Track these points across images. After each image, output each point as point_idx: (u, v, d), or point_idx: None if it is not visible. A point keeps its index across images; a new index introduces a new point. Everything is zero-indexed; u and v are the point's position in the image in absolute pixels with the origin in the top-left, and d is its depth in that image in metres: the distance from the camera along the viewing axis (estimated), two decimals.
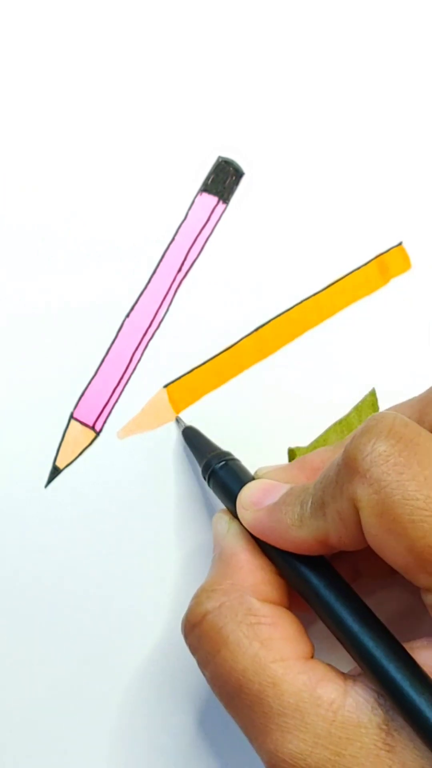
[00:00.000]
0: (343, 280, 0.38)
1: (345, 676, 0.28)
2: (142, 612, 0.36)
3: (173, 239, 0.38)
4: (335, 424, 0.36)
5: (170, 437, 0.37)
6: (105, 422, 0.36)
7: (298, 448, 0.36)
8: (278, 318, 0.38)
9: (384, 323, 0.38)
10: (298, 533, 0.29)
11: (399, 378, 0.38)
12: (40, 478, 0.36)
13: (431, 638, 0.28)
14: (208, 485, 0.34)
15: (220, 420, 0.36)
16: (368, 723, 0.27)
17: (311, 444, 0.36)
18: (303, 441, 0.36)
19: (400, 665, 0.26)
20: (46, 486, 0.36)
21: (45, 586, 0.36)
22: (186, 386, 0.37)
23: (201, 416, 0.37)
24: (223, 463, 0.33)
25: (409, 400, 0.31)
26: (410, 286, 0.39)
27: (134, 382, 0.37)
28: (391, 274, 0.39)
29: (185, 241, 0.38)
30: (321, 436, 0.36)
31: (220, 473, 0.33)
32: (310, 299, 0.38)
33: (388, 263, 0.39)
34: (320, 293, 0.38)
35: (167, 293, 0.37)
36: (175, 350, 0.37)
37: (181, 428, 0.36)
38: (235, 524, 0.31)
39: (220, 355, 0.37)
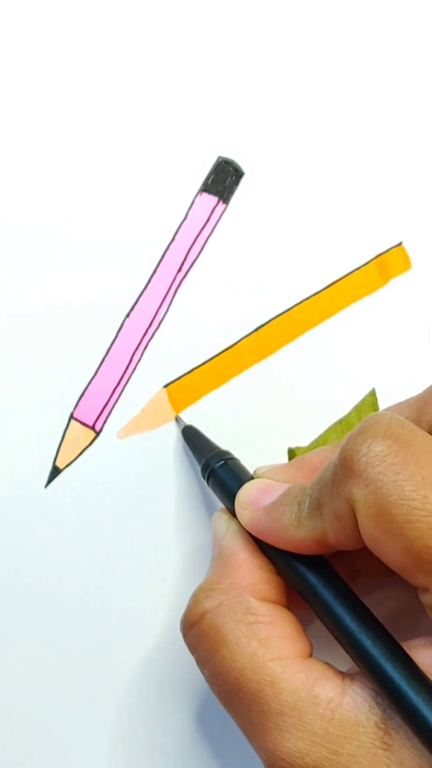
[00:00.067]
0: (343, 280, 0.38)
1: (343, 674, 0.28)
2: (142, 612, 0.36)
3: (173, 239, 0.38)
4: (335, 424, 0.36)
5: (170, 437, 0.37)
6: (105, 422, 0.36)
7: (298, 448, 0.36)
8: (278, 318, 0.38)
9: (384, 323, 0.38)
10: (295, 533, 0.29)
11: (399, 378, 0.38)
12: (40, 478, 0.36)
13: (429, 637, 0.28)
14: (208, 484, 0.34)
15: (220, 420, 0.36)
16: (366, 722, 0.27)
17: (311, 444, 0.36)
18: (303, 441, 0.36)
19: (398, 664, 0.26)
20: (46, 486, 0.36)
21: (45, 586, 0.36)
22: (186, 386, 0.37)
23: (201, 416, 0.37)
24: (222, 462, 0.33)
25: (407, 400, 0.31)
26: (410, 286, 0.39)
27: (134, 382, 0.37)
28: (391, 274, 0.39)
29: (185, 241, 0.38)
30: (321, 436, 0.36)
31: (219, 472, 0.33)
32: (310, 299, 0.38)
33: (388, 263, 0.39)
34: (320, 293, 0.38)
35: (167, 293, 0.37)
36: (175, 350, 0.37)
37: (181, 427, 0.36)
38: (234, 523, 0.31)
39: (220, 355, 0.37)
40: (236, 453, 0.34)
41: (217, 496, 0.33)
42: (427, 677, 0.26)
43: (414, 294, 0.39)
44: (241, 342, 0.38)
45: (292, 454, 0.35)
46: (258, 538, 0.30)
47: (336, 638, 0.28)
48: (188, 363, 0.37)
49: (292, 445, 0.36)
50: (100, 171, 0.38)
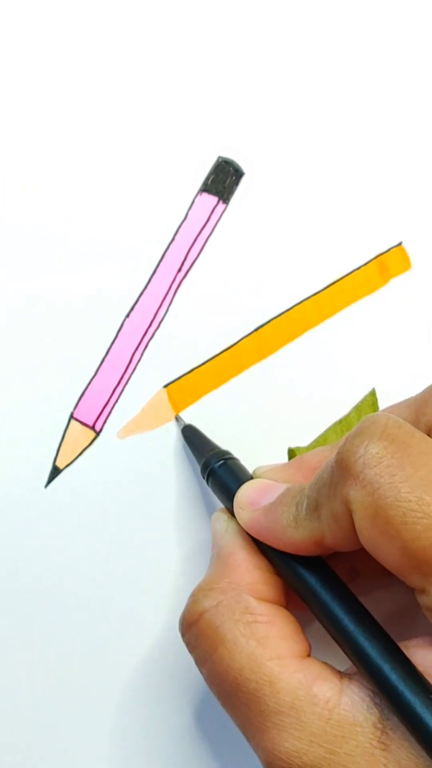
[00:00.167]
0: (343, 280, 0.38)
1: (341, 674, 0.28)
2: (142, 612, 0.36)
3: (173, 239, 0.38)
4: (335, 424, 0.36)
5: (170, 437, 0.37)
6: (105, 422, 0.36)
7: (298, 448, 0.36)
8: (278, 318, 0.38)
9: (384, 323, 0.38)
10: (293, 534, 0.29)
11: (399, 378, 0.38)
12: (40, 478, 0.36)
13: (426, 637, 0.28)
14: (207, 484, 0.34)
15: (220, 420, 0.36)
16: (364, 721, 0.27)
17: (311, 444, 0.36)
18: (303, 441, 0.36)
19: (396, 665, 0.26)
20: (46, 486, 0.36)
21: (45, 586, 0.36)
22: (186, 386, 0.37)
23: (201, 416, 0.37)
24: (221, 462, 0.33)
25: (406, 401, 0.31)
26: (410, 286, 0.39)
27: (134, 382, 0.37)
28: (391, 274, 0.39)
29: (185, 241, 0.38)
30: (321, 436, 0.36)
31: (218, 472, 0.33)
32: (310, 299, 0.38)
33: (388, 263, 0.39)
34: (320, 293, 0.38)
35: (167, 293, 0.37)
36: (175, 350, 0.37)
37: (181, 427, 0.36)
38: (233, 523, 0.31)
39: (220, 355, 0.37)
40: (236, 453, 0.34)
41: (217, 496, 0.33)
42: (425, 678, 0.26)
43: (414, 294, 0.39)
44: (241, 342, 0.38)
45: (292, 454, 0.35)
46: (257, 539, 0.30)
47: (334, 639, 0.28)
48: (188, 363, 0.37)
49: (292, 445, 0.36)
50: (100, 171, 0.38)
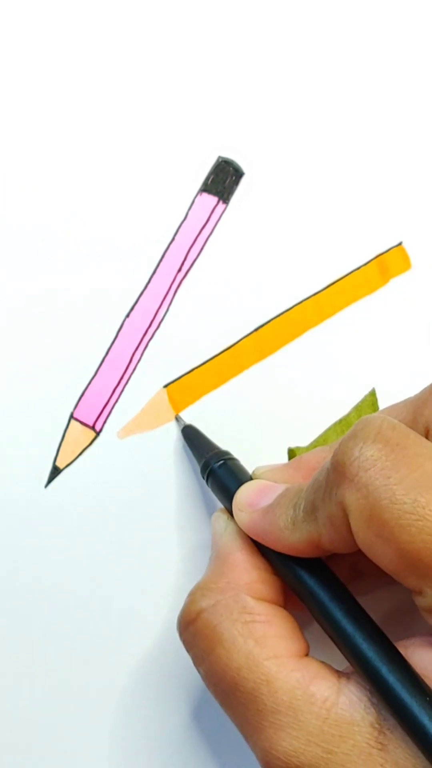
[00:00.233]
0: (343, 280, 0.38)
1: (339, 673, 0.28)
2: (142, 612, 0.36)
3: (173, 239, 0.38)
4: (335, 424, 0.36)
5: (170, 437, 0.37)
6: (105, 422, 0.36)
7: (298, 448, 0.36)
8: (278, 318, 0.38)
9: (384, 323, 0.38)
10: (291, 536, 0.29)
11: (399, 378, 0.38)
12: (40, 478, 0.36)
13: (424, 637, 0.28)
14: (207, 484, 0.34)
15: (220, 420, 0.36)
16: (361, 721, 0.27)
17: (311, 444, 0.36)
18: (303, 441, 0.36)
19: (393, 667, 0.26)
20: (46, 486, 0.36)
21: (45, 586, 0.36)
22: (186, 386, 0.37)
23: (201, 416, 0.37)
24: (221, 462, 0.33)
25: (404, 401, 0.31)
26: (410, 286, 0.39)
27: (134, 382, 0.37)
28: (391, 274, 0.39)
29: (185, 241, 0.38)
30: (321, 436, 0.36)
31: (218, 472, 0.33)
32: (310, 299, 0.38)
33: (388, 263, 0.39)
34: (320, 293, 0.38)
35: (167, 293, 0.37)
36: (175, 350, 0.37)
37: (181, 427, 0.36)
38: (232, 523, 0.31)
39: (220, 355, 0.37)
40: (236, 453, 0.34)
41: (216, 496, 0.33)
42: (422, 680, 0.26)
43: (414, 294, 0.39)
44: (241, 342, 0.38)
45: (291, 454, 0.35)
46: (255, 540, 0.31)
47: (332, 640, 0.28)
48: (188, 363, 0.37)
49: (292, 445, 0.36)
50: (100, 171, 0.38)
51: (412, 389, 0.33)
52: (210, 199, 0.38)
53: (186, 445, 0.36)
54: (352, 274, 0.38)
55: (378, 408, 0.37)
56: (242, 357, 0.37)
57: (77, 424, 0.36)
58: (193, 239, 0.38)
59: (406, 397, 0.32)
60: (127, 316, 0.37)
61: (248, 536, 0.31)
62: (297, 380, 0.38)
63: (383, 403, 0.37)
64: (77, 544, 0.36)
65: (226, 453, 0.34)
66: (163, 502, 0.36)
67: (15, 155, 0.37)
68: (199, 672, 0.30)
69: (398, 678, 0.26)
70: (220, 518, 0.32)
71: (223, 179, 0.38)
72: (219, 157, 0.38)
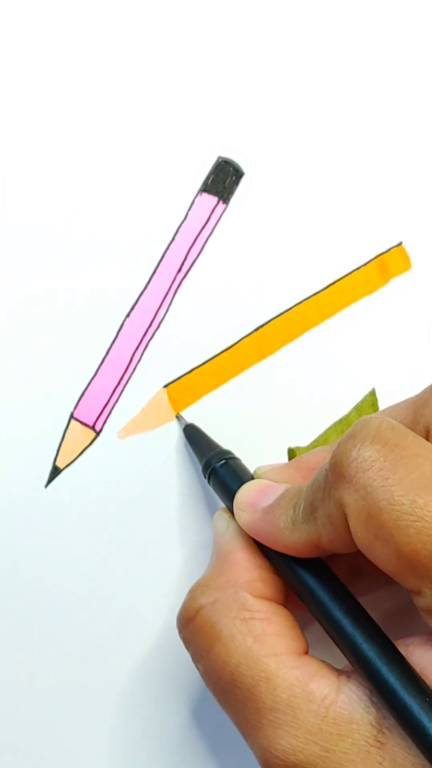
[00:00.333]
0: (343, 280, 0.38)
1: (339, 672, 0.28)
2: (142, 612, 0.36)
3: (173, 239, 0.38)
4: (335, 424, 0.36)
5: (170, 437, 0.37)
6: (105, 422, 0.36)
7: (298, 448, 0.36)
8: (278, 318, 0.38)
9: (384, 323, 0.38)
10: (291, 537, 0.29)
11: (399, 378, 0.38)
12: (40, 478, 0.36)
13: (424, 636, 0.28)
14: (208, 483, 0.34)
15: (220, 420, 0.36)
16: (360, 720, 0.27)
17: (311, 444, 0.36)
18: (303, 441, 0.36)
19: (393, 667, 0.26)
20: (46, 486, 0.36)
21: (45, 586, 0.36)
22: (186, 386, 0.37)
23: (201, 416, 0.37)
24: (223, 461, 0.33)
25: (404, 401, 0.31)
26: (410, 286, 0.39)
27: (134, 382, 0.37)
28: (391, 274, 0.39)
29: (185, 241, 0.38)
30: (321, 436, 0.36)
31: (219, 472, 0.33)
32: (310, 299, 0.38)
33: (388, 263, 0.39)
34: (320, 293, 0.38)
35: (167, 293, 0.37)
36: (175, 350, 0.37)
37: (182, 426, 0.36)
38: (234, 523, 0.31)
39: (220, 355, 0.37)
40: (236, 453, 0.34)
41: (218, 496, 0.33)
42: (421, 679, 0.26)
43: (414, 294, 0.39)
44: (241, 342, 0.38)
45: (291, 454, 0.35)
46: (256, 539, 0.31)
47: (332, 639, 0.28)
48: (188, 363, 0.37)
49: (292, 445, 0.36)
50: (100, 171, 0.38)
51: (412, 389, 0.33)
52: (210, 199, 0.38)
53: (187, 444, 0.36)
54: (352, 274, 0.38)
55: (378, 408, 0.37)
56: (242, 357, 0.37)
57: (77, 424, 0.36)
58: (193, 239, 0.38)
59: (406, 397, 0.31)
60: (127, 316, 0.37)
61: (249, 536, 0.31)
62: (297, 380, 0.38)
63: (383, 403, 0.37)
64: (77, 544, 0.36)
65: (228, 452, 0.34)
66: (163, 502, 0.36)
67: (15, 155, 0.37)
68: (198, 669, 0.30)
69: (398, 677, 0.26)
70: (222, 517, 0.32)
71: (223, 179, 0.38)
72: (219, 157, 0.38)
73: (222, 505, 0.33)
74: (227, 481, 0.33)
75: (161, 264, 0.37)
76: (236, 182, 0.38)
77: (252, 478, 0.32)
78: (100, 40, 0.38)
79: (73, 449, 0.36)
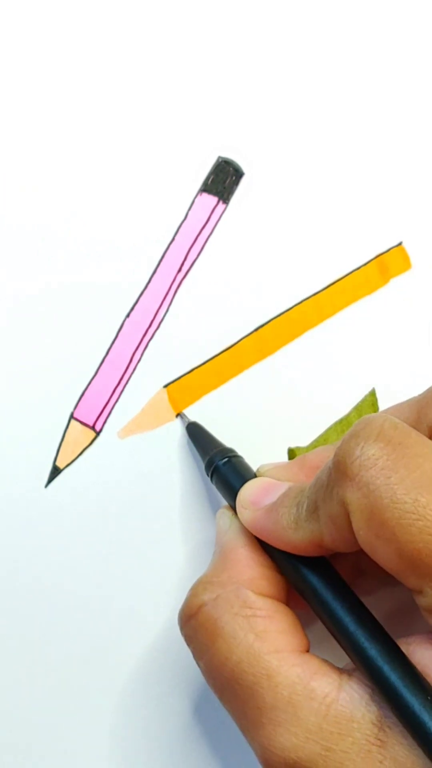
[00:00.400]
0: (343, 280, 0.38)
1: (340, 670, 0.28)
2: (142, 612, 0.36)
3: (173, 239, 0.38)
4: (335, 424, 0.36)
5: (170, 437, 0.37)
6: (105, 422, 0.36)
7: (298, 448, 0.36)
8: (278, 318, 0.38)
9: (384, 323, 0.38)
10: (293, 535, 0.29)
11: (399, 378, 0.38)
12: (40, 478, 0.36)
13: (426, 635, 0.28)
14: (211, 481, 0.34)
15: (220, 420, 0.36)
16: (361, 718, 0.27)
17: (311, 444, 0.36)
18: (303, 441, 0.36)
19: (395, 666, 0.26)
20: (46, 486, 0.36)
21: (45, 586, 0.36)
22: (186, 386, 0.37)
23: (201, 416, 0.37)
24: (226, 459, 0.33)
25: (408, 401, 0.31)
26: (410, 286, 0.39)
27: (134, 382, 0.37)
28: (391, 274, 0.39)
29: (185, 241, 0.38)
30: (321, 436, 0.36)
31: (222, 470, 0.33)
32: (310, 299, 0.38)
33: (388, 263, 0.39)
34: (320, 293, 0.38)
35: (167, 293, 0.37)
36: (175, 350, 0.37)
37: (185, 424, 0.36)
38: (236, 521, 0.31)
39: (220, 355, 0.37)
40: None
41: (221, 494, 0.33)
42: (424, 679, 0.26)
43: (414, 294, 0.39)
44: (241, 342, 0.38)
45: (291, 454, 0.35)
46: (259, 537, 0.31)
47: (335, 637, 0.28)
48: (188, 363, 0.37)
49: (292, 445, 0.36)
50: (100, 171, 0.38)
51: (412, 389, 0.33)
52: (210, 199, 0.38)
53: (189, 442, 0.36)
54: (352, 274, 0.38)
55: (378, 408, 0.37)
56: (242, 357, 0.37)
57: (77, 424, 0.36)
58: (193, 239, 0.38)
59: (406, 396, 0.32)
60: (127, 316, 0.37)
61: (252, 533, 0.31)
62: (297, 380, 0.38)
63: (383, 403, 0.37)
64: (77, 544, 0.36)
65: (231, 450, 0.34)
66: (163, 502, 0.36)
67: (15, 155, 0.37)
68: (199, 666, 0.30)
69: (400, 676, 0.26)
70: (225, 515, 0.32)
71: (223, 179, 0.38)
72: (219, 157, 0.38)
73: (224, 503, 0.33)
74: (230, 479, 0.33)
75: (161, 264, 0.37)
76: (236, 182, 0.38)
77: (255, 476, 0.32)
78: (100, 41, 0.38)
79: (73, 449, 0.36)
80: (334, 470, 0.27)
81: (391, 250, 0.39)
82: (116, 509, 0.36)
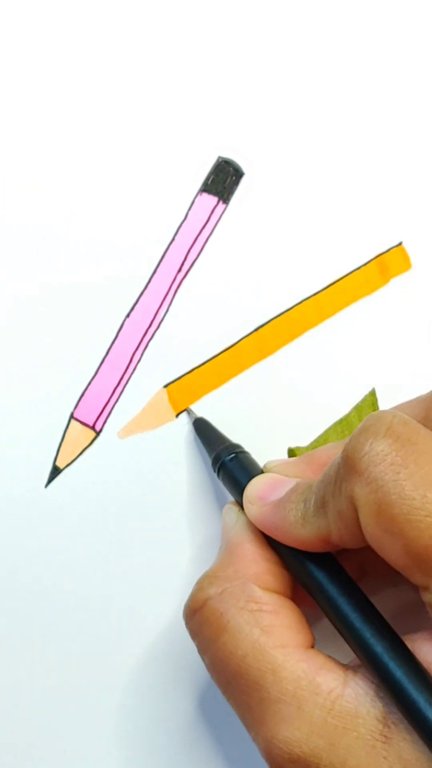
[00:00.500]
0: (343, 280, 0.38)
1: (345, 666, 0.28)
2: (142, 612, 0.36)
3: (173, 239, 0.38)
4: (335, 424, 0.36)
5: (170, 437, 0.37)
6: (105, 422, 0.36)
7: (298, 448, 0.36)
8: (278, 318, 0.38)
9: (384, 323, 0.38)
10: (301, 531, 0.29)
11: (399, 378, 0.38)
12: (40, 478, 0.36)
13: (430, 632, 0.28)
14: (218, 477, 0.34)
15: (220, 420, 0.36)
16: (366, 714, 0.27)
17: (311, 444, 0.36)
18: (303, 441, 0.36)
19: (401, 662, 0.26)
20: (46, 486, 0.36)
21: (45, 586, 0.36)
22: (186, 386, 0.37)
23: (201, 416, 0.37)
24: (233, 455, 0.33)
25: (416, 399, 0.31)
26: (410, 286, 0.39)
27: (134, 382, 0.37)
28: (391, 274, 0.39)
29: (185, 241, 0.38)
30: (321, 436, 0.36)
31: (229, 465, 0.33)
32: (310, 299, 0.38)
33: (388, 263, 0.39)
34: (320, 293, 0.38)
35: (167, 293, 0.37)
36: (175, 350, 0.37)
37: (192, 420, 0.36)
38: (243, 516, 0.31)
39: (220, 355, 0.37)
40: None
41: (227, 489, 0.33)
42: (429, 675, 0.26)
43: (414, 294, 0.39)
44: (241, 342, 0.38)
45: (291, 454, 0.35)
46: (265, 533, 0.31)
47: (340, 633, 0.28)
48: (188, 363, 0.37)
49: (292, 445, 0.36)
50: (100, 171, 0.38)
51: (412, 389, 0.33)
52: (210, 199, 0.38)
53: (193, 440, 0.36)
54: (352, 274, 0.38)
55: (378, 408, 0.37)
56: (242, 357, 0.37)
57: (77, 424, 0.36)
58: (193, 239, 0.38)
59: (407, 396, 0.32)
60: (127, 316, 0.37)
61: (258, 529, 0.31)
62: (297, 380, 0.38)
63: (383, 403, 0.37)
64: (77, 544, 0.36)
65: (238, 446, 0.34)
66: (163, 502, 0.36)
67: (15, 155, 0.37)
68: (203, 660, 0.30)
69: (405, 672, 0.26)
70: (231, 510, 0.32)
71: (223, 179, 0.38)
72: (219, 157, 0.38)
73: (226, 501, 0.33)
74: (237, 474, 0.33)
75: (161, 264, 0.37)
76: (236, 182, 0.38)
77: (262, 472, 0.32)
78: (100, 41, 0.38)
79: (73, 449, 0.36)
80: (342, 465, 0.27)
81: (391, 250, 0.39)
82: (116, 509, 0.36)
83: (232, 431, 0.36)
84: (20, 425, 0.36)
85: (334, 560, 0.29)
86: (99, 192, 0.37)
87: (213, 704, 0.35)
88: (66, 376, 0.36)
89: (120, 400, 0.37)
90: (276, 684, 0.27)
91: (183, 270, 0.38)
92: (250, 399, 0.37)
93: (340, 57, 0.39)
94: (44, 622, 0.35)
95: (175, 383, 0.37)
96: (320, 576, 0.29)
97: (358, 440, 0.27)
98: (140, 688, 0.36)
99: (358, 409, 0.36)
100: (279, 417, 0.37)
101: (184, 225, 0.38)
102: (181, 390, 0.37)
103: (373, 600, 0.29)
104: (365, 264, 0.39)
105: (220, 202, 0.38)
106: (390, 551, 0.26)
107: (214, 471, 0.34)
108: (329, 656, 0.28)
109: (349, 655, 0.28)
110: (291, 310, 0.38)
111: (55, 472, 0.36)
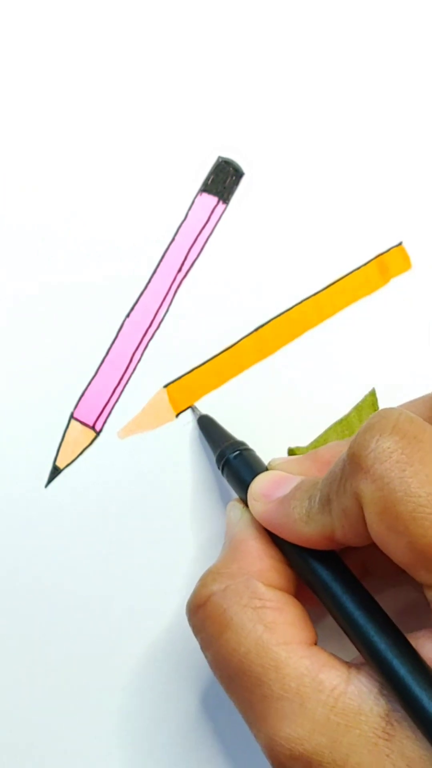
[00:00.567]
0: (343, 280, 0.38)
1: (349, 664, 0.28)
2: (142, 612, 0.36)
3: (173, 239, 0.38)
4: (335, 424, 0.36)
5: (170, 437, 0.37)
6: (105, 422, 0.36)
7: (298, 448, 0.36)
8: (278, 318, 0.38)
9: (384, 323, 0.38)
10: (305, 528, 0.29)
11: (399, 378, 0.38)
12: (40, 478, 0.36)
13: None
14: (222, 474, 0.34)
15: (220, 420, 0.36)
16: (369, 711, 0.26)
17: (311, 444, 0.36)
18: (303, 441, 0.36)
19: (404, 659, 0.26)
20: (46, 486, 0.36)
21: (45, 586, 0.36)
22: (186, 386, 0.37)
23: (206, 413, 0.37)
24: (237, 452, 0.33)
25: (422, 397, 0.31)
26: (410, 286, 0.39)
27: (134, 382, 0.37)
28: (391, 274, 0.39)
29: (185, 241, 0.38)
30: (321, 436, 0.36)
31: (233, 463, 0.33)
32: (310, 299, 0.38)
33: (388, 263, 0.39)
34: (320, 293, 0.38)
35: (167, 293, 0.37)
36: (175, 350, 0.37)
37: (197, 417, 0.36)
38: (247, 513, 0.31)
39: (220, 355, 0.37)
40: None
41: (231, 486, 0.33)
42: None
43: (414, 294, 0.39)
44: (241, 342, 0.38)
45: (292, 454, 0.35)
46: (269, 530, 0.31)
47: (344, 630, 0.28)
48: (188, 363, 0.37)
49: (292, 445, 0.36)
50: (100, 171, 0.38)
51: (412, 389, 0.33)
52: (210, 199, 0.38)
53: (197, 437, 0.36)
54: (352, 274, 0.38)
55: (378, 408, 0.37)
56: (242, 357, 0.37)
57: (77, 424, 0.36)
58: (193, 239, 0.38)
59: (407, 396, 0.32)
60: (127, 316, 0.37)
61: (262, 526, 0.31)
62: (297, 380, 0.38)
63: (383, 403, 0.37)
64: (77, 544, 0.36)
65: (242, 443, 0.34)
66: (163, 502, 0.36)
67: (15, 155, 0.37)
68: (206, 657, 0.30)
69: (409, 670, 0.26)
70: (236, 507, 0.32)
71: (223, 179, 0.38)
72: (219, 157, 0.38)
73: (228, 500, 0.33)
74: (241, 471, 0.33)
75: (161, 264, 0.37)
76: (236, 182, 0.38)
77: (266, 469, 0.32)
78: (100, 41, 0.38)
79: (73, 449, 0.36)
80: (348, 462, 0.27)
81: (391, 250, 0.39)
82: (116, 509, 0.36)
83: (232, 431, 0.36)
84: (20, 425, 0.36)
85: (337, 558, 0.29)
86: (99, 192, 0.37)
87: (213, 704, 0.35)
88: (66, 376, 0.36)
89: (120, 400, 0.37)
90: (279, 681, 0.27)
91: (183, 270, 0.38)
92: (250, 399, 0.37)
93: (340, 57, 0.39)
94: (44, 622, 0.35)
95: (175, 383, 0.37)
96: (324, 573, 0.29)
97: (364, 437, 0.27)
98: (141, 688, 0.36)
99: (358, 409, 0.36)
100: (279, 417, 0.37)
101: (184, 225, 0.38)
102: (181, 390, 0.37)
103: (376, 599, 0.29)
104: (365, 264, 0.39)
105: (220, 202, 0.38)
106: (394, 549, 0.26)
107: (219, 468, 0.34)
108: (332, 654, 0.28)
109: (352, 652, 0.28)
110: (291, 310, 0.38)
111: (55, 472, 0.36)
